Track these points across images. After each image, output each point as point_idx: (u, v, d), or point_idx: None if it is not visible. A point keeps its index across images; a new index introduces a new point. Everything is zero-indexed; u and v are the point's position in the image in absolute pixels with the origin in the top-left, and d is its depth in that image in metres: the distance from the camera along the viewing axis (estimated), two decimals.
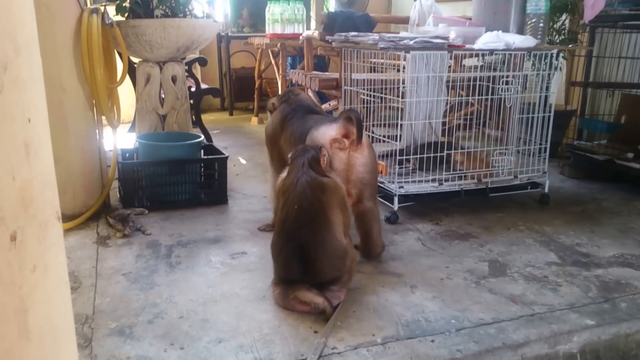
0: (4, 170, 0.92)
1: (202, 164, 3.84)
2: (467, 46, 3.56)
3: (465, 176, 3.65)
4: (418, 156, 3.57)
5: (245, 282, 2.62)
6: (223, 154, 3.89)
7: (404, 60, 3.36)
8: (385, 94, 3.58)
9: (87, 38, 3.24)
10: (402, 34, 3.69)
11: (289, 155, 2.54)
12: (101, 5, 3.49)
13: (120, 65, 3.69)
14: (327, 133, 2.67)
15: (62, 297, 1.17)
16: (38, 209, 1.03)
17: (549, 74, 3.72)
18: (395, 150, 3.50)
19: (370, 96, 3.74)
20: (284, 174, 2.51)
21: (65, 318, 1.20)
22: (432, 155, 3.53)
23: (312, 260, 2.29)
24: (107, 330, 2.20)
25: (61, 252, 1.15)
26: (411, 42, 3.32)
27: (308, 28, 6.76)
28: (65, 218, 3.23)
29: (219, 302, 2.43)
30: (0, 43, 0.91)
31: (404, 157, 3.63)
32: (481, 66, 3.88)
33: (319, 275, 2.31)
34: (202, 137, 3.98)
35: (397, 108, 3.56)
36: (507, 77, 3.59)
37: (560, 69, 4.50)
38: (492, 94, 3.61)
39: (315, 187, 2.35)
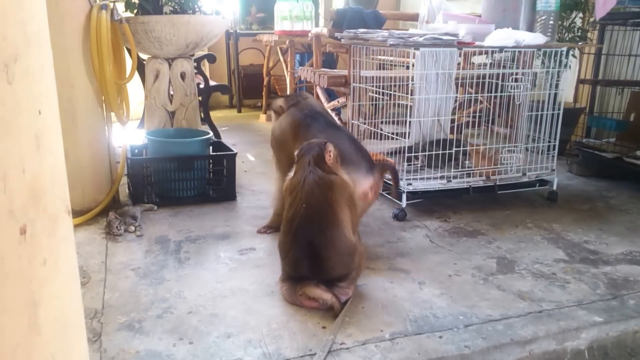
0: (14, 163, 0.93)
1: (210, 161, 3.84)
2: (477, 43, 3.55)
3: (473, 173, 3.65)
4: (426, 153, 3.57)
5: (253, 278, 2.62)
6: (232, 150, 3.90)
7: (413, 57, 3.35)
8: (394, 91, 3.57)
9: (96, 34, 3.25)
10: (412, 30, 3.69)
11: (295, 153, 2.53)
12: (110, 2, 3.50)
13: (129, 62, 3.70)
14: (362, 185, 2.70)
15: (72, 291, 1.17)
16: (48, 202, 1.03)
17: (558, 72, 3.71)
18: (404, 148, 3.50)
19: (379, 93, 3.74)
20: (291, 174, 2.50)
21: (76, 312, 1.20)
22: (440, 152, 3.53)
23: (321, 258, 2.29)
24: (117, 324, 2.21)
25: (71, 246, 1.16)
26: (420, 39, 3.31)
27: (316, 25, 6.76)
28: (75, 213, 3.24)
29: (227, 297, 2.44)
30: (10, 34, 0.91)
31: (413, 154, 3.63)
32: (490, 63, 3.87)
33: (328, 272, 2.31)
34: (211, 133, 3.99)
35: (406, 105, 3.56)
36: (516, 74, 3.58)
37: (570, 66, 4.48)
38: (501, 92, 3.60)
39: (323, 185, 2.34)
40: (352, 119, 4.00)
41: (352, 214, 2.42)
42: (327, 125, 2.97)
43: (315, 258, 2.29)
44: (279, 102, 3.22)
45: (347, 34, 3.84)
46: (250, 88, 8.03)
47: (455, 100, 4.01)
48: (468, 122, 4.27)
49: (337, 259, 2.31)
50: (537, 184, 3.78)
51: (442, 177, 3.53)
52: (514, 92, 3.58)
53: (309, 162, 2.39)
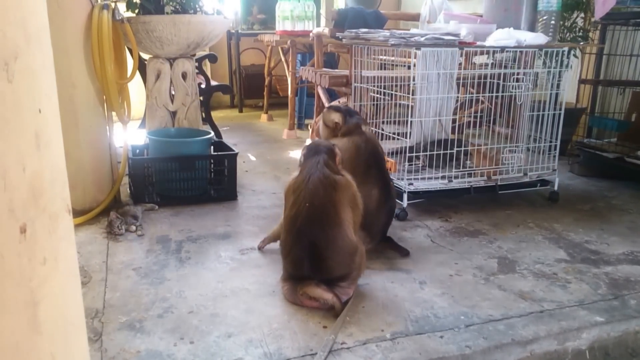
0: (14, 161, 0.92)
1: (211, 161, 3.84)
2: (478, 43, 3.55)
3: (474, 173, 3.64)
4: (427, 153, 3.57)
5: (254, 278, 2.62)
6: (233, 150, 3.90)
7: (414, 57, 3.35)
8: (395, 91, 3.57)
9: (97, 34, 3.25)
10: (413, 30, 3.69)
11: (302, 152, 2.53)
12: (112, 1, 3.50)
13: (130, 62, 3.70)
14: None
15: (72, 290, 1.17)
16: (48, 201, 1.02)
17: (559, 72, 3.70)
18: (405, 148, 3.50)
19: (380, 93, 3.74)
20: (295, 173, 2.50)
21: (76, 311, 1.20)
22: (441, 152, 3.53)
23: (322, 258, 2.29)
24: (117, 324, 2.21)
25: (72, 245, 1.15)
26: (422, 39, 3.31)
27: (318, 25, 6.75)
28: (76, 213, 3.24)
29: (228, 297, 2.44)
30: (10, 32, 0.91)
31: (414, 154, 3.63)
32: (491, 63, 3.87)
33: (329, 272, 2.31)
34: (212, 133, 3.99)
35: (407, 105, 3.55)
36: (518, 74, 3.57)
37: (571, 66, 4.48)
38: (502, 92, 3.60)
39: (327, 185, 2.34)
40: None
41: (354, 214, 2.42)
42: (380, 171, 2.95)
43: (317, 257, 2.29)
44: (335, 117, 3.04)
45: (349, 34, 3.84)
46: (251, 88, 8.03)
47: (457, 100, 4.01)
48: (469, 122, 4.26)
49: (339, 258, 2.31)
50: (539, 184, 3.78)
51: (443, 177, 3.53)
52: (515, 92, 3.58)
53: (318, 162, 2.39)
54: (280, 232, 2.51)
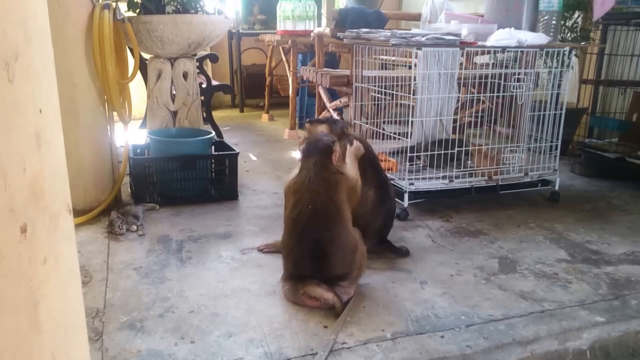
0: (15, 161, 0.92)
1: (212, 160, 3.84)
2: (479, 43, 3.55)
3: (475, 173, 3.64)
4: (429, 153, 3.57)
5: (255, 277, 2.62)
6: (234, 150, 3.90)
7: (415, 57, 3.35)
8: (396, 91, 3.57)
9: (98, 34, 3.26)
10: (414, 30, 3.68)
11: (300, 148, 2.52)
12: (113, 1, 3.50)
13: (131, 61, 3.70)
14: None
15: (73, 290, 1.17)
16: (49, 200, 1.02)
17: (560, 72, 3.70)
18: (406, 147, 3.50)
19: (381, 93, 3.73)
20: (295, 170, 2.49)
21: (77, 311, 1.20)
22: (442, 152, 3.52)
23: (325, 256, 2.29)
24: (118, 324, 2.21)
25: (72, 245, 1.15)
26: (423, 39, 3.31)
27: (319, 25, 6.75)
28: (77, 213, 3.25)
29: (229, 296, 2.44)
30: (11, 32, 0.91)
31: (415, 154, 3.63)
32: (493, 63, 3.86)
33: (331, 270, 2.31)
34: (213, 133, 3.99)
35: (408, 105, 3.55)
36: (519, 74, 3.57)
37: (572, 66, 4.48)
38: (503, 92, 3.59)
39: (328, 187, 2.34)
40: (355, 119, 4.00)
41: (350, 200, 2.42)
42: (376, 171, 2.96)
43: (319, 256, 2.29)
44: (322, 128, 3.03)
45: (350, 33, 3.84)
46: (252, 88, 8.03)
47: (458, 100, 4.01)
48: (470, 122, 4.26)
49: (341, 255, 2.31)
50: (539, 184, 3.78)
51: (444, 177, 3.53)
52: (516, 92, 3.57)
53: (315, 163, 2.38)
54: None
